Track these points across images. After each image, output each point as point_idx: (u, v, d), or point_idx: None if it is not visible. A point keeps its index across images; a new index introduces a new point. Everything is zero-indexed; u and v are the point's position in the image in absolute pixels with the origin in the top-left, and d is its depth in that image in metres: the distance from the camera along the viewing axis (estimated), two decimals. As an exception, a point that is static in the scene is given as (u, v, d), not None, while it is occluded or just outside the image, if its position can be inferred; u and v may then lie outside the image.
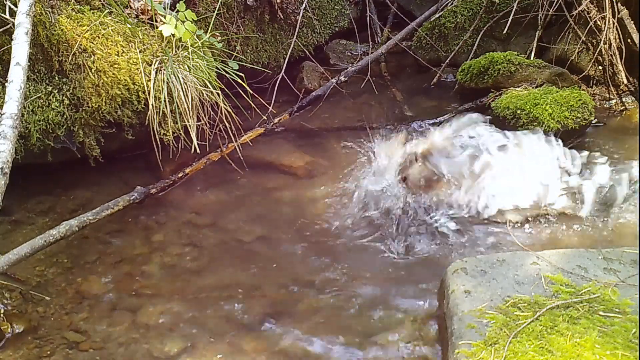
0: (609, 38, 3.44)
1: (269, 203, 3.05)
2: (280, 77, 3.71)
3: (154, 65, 3.00)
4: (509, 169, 2.69)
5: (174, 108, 3.00)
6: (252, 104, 3.33)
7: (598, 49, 3.47)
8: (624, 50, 3.49)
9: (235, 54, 3.63)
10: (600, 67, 3.53)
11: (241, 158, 3.24)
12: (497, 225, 2.73)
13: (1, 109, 2.42)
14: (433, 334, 2.22)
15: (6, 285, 2.51)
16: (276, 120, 3.57)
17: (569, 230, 2.60)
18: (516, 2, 3.72)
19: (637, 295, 1.98)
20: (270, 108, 3.53)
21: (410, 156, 2.70)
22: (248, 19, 3.84)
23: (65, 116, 2.96)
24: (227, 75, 3.25)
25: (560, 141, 2.79)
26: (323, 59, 4.22)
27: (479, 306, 2.01)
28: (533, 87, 3.33)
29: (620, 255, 2.18)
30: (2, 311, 2.37)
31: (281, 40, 4.01)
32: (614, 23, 3.43)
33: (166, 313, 2.43)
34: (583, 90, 3.36)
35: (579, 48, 3.52)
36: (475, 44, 3.87)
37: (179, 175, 3.15)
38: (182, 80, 3.01)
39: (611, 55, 3.47)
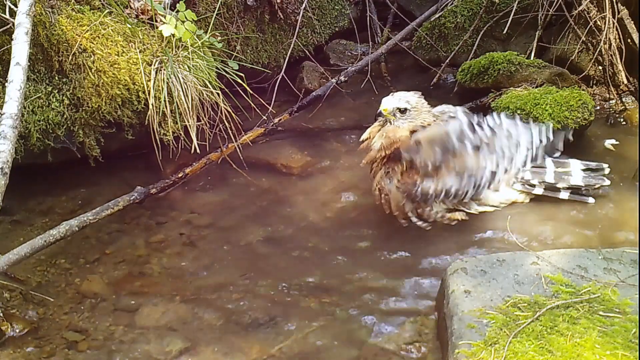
0: (609, 38, 3.43)
1: (268, 203, 3.05)
2: (280, 77, 3.71)
3: (154, 65, 3.00)
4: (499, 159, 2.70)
5: (174, 108, 3.00)
6: (252, 104, 3.33)
7: (598, 49, 3.47)
8: (624, 50, 3.48)
9: (235, 54, 3.63)
10: (600, 67, 3.53)
11: (241, 158, 3.24)
12: (497, 225, 2.73)
13: (1, 109, 2.42)
14: (433, 334, 2.22)
15: (6, 285, 2.51)
16: (276, 120, 3.57)
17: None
18: (516, 2, 3.72)
19: (637, 295, 1.98)
20: (270, 108, 3.53)
21: (416, 142, 2.64)
22: (248, 19, 3.83)
23: (65, 116, 2.96)
24: (227, 75, 3.25)
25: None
26: (323, 59, 4.22)
27: (479, 306, 2.00)
28: (533, 87, 3.33)
29: (620, 255, 2.18)
30: (2, 311, 2.37)
31: (281, 40, 4.01)
32: (614, 23, 3.43)
33: (166, 313, 2.43)
34: (583, 90, 3.36)
35: (579, 48, 3.52)
36: (475, 44, 3.87)
37: (179, 175, 3.15)
38: (182, 80, 3.01)
39: (611, 55, 3.47)
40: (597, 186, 2.81)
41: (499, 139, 2.70)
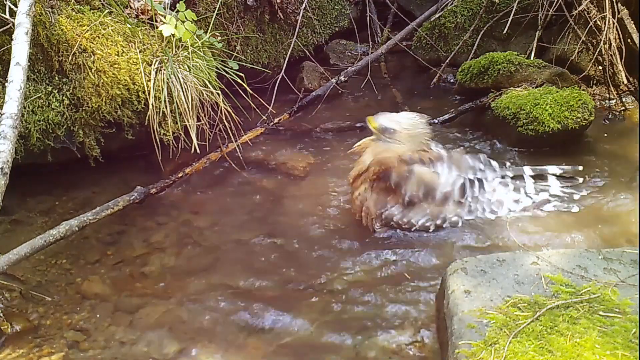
0: (609, 38, 3.43)
1: (268, 203, 3.05)
2: (280, 77, 3.72)
3: (154, 65, 3.00)
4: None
5: (174, 108, 3.00)
6: (252, 104, 3.33)
7: (598, 49, 3.47)
8: (624, 50, 3.49)
9: (235, 54, 3.63)
10: (600, 67, 3.53)
11: (241, 158, 3.24)
12: (497, 225, 2.73)
13: (1, 109, 2.42)
14: (433, 335, 2.22)
15: (6, 285, 2.51)
16: (276, 120, 3.57)
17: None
18: (516, 2, 3.72)
19: (637, 295, 1.98)
20: (270, 108, 3.53)
21: (409, 171, 2.67)
22: (248, 19, 3.84)
23: (65, 116, 2.96)
24: (227, 75, 3.25)
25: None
26: (323, 59, 4.22)
27: (479, 306, 2.00)
28: (533, 87, 3.33)
29: (620, 255, 2.18)
30: (2, 311, 2.37)
31: (281, 40, 4.01)
32: (614, 23, 3.43)
33: (166, 313, 2.43)
34: (583, 90, 3.36)
35: (579, 48, 3.52)
36: (475, 44, 3.87)
37: (179, 175, 3.15)
38: (182, 80, 3.01)
39: (611, 55, 3.47)
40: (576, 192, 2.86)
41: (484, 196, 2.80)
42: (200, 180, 3.21)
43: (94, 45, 2.96)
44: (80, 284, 2.59)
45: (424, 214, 2.70)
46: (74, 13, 2.99)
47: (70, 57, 2.91)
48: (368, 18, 4.37)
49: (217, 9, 3.51)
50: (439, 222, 2.72)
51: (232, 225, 2.91)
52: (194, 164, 3.22)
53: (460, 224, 2.73)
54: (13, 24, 2.61)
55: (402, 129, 2.67)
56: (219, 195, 3.12)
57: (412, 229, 2.72)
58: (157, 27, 3.09)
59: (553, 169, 2.94)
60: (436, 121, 3.43)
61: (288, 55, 3.90)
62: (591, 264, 2.15)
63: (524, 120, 3.11)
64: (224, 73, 3.25)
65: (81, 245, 2.79)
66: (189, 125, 3.05)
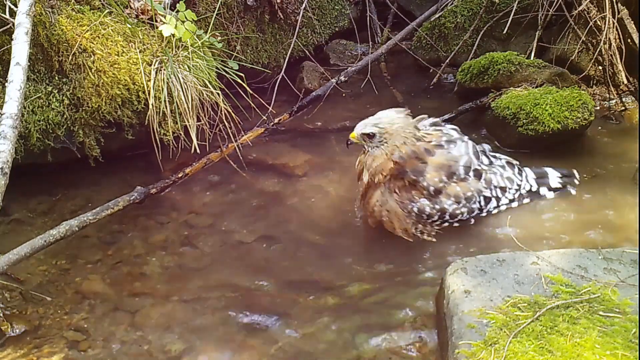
0: (609, 38, 3.43)
1: (268, 203, 3.05)
2: (280, 77, 3.71)
3: (154, 65, 3.00)
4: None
5: (174, 108, 3.00)
6: (252, 104, 3.33)
7: (598, 49, 3.47)
8: (624, 50, 3.48)
9: (235, 54, 3.63)
10: (600, 67, 3.53)
11: (241, 158, 3.24)
12: (497, 225, 2.73)
13: (1, 109, 2.42)
14: (433, 335, 2.22)
15: (6, 285, 2.51)
16: (276, 120, 3.57)
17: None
18: (516, 2, 3.72)
19: (637, 295, 1.98)
20: (270, 108, 3.53)
21: (423, 163, 2.58)
22: (248, 19, 3.83)
23: (65, 116, 2.96)
24: (227, 75, 3.25)
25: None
26: (323, 59, 4.22)
27: (479, 306, 2.00)
28: (533, 87, 3.33)
29: (620, 255, 2.18)
30: (2, 311, 2.37)
31: (281, 40, 4.01)
32: (614, 23, 3.43)
33: (166, 313, 2.43)
34: (583, 90, 3.35)
35: (579, 48, 3.52)
36: (475, 44, 3.87)
37: (179, 175, 3.15)
38: (182, 80, 3.01)
39: (611, 55, 3.47)
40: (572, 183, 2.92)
41: (495, 168, 2.77)
42: (200, 180, 3.21)
43: (94, 45, 2.96)
44: (80, 284, 2.59)
45: (454, 194, 2.60)
46: (74, 13, 2.99)
47: (70, 57, 2.91)
48: (368, 18, 4.37)
49: (217, 9, 3.51)
50: (465, 202, 2.63)
51: (232, 225, 2.91)
52: (194, 164, 3.22)
53: (478, 205, 2.68)
54: (13, 24, 2.61)
55: (379, 131, 2.54)
56: (218, 195, 3.13)
57: (445, 218, 2.64)
58: (157, 27, 3.09)
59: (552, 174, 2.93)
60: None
61: (288, 55, 3.90)
62: (591, 264, 2.15)
63: (524, 120, 3.11)
64: (224, 73, 3.25)
65: (81, 245, 2.79)
66: (189, 125, 3.06)
